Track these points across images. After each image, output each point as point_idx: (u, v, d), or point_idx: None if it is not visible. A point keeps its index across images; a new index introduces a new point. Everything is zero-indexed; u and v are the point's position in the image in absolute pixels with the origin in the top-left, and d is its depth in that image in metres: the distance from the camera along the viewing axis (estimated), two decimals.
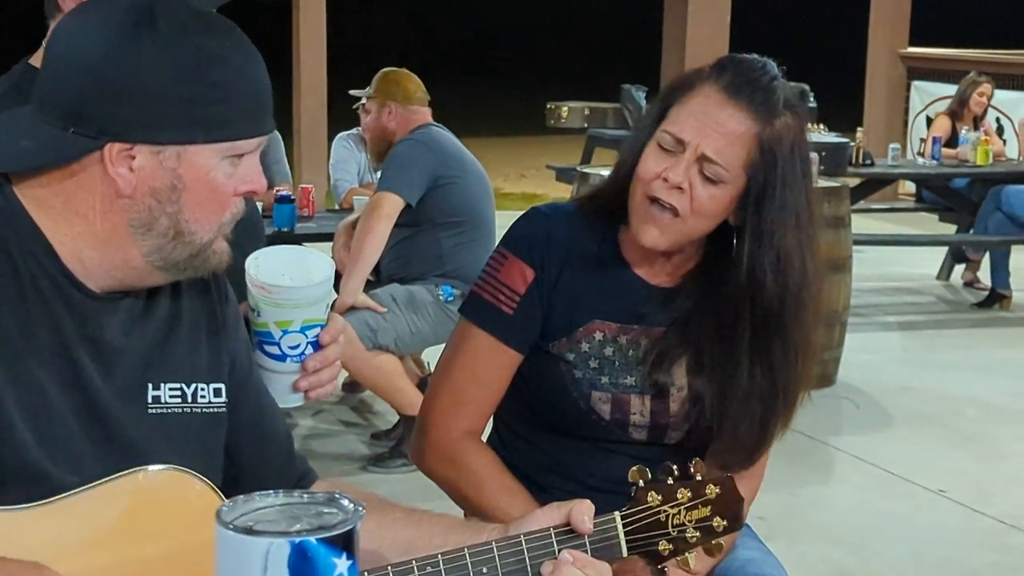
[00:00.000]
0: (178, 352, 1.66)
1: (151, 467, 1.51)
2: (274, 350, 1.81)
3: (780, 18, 28.30)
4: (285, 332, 1.82)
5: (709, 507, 1.78)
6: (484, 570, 1.60)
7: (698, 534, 1.78)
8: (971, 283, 8.91)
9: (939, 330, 7.86)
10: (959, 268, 9.07)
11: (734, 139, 2.01)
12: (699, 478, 1.79)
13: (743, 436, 2.11)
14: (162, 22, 1.50)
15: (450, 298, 5.01)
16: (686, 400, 2.14)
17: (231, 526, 0.99)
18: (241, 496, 1.04)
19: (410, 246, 5.12)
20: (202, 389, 1.67)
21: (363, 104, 5.75)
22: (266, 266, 1.84)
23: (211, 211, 1.56)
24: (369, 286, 5.08)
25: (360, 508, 1.01)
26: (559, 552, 1.65)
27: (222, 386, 1.69)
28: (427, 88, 5.50)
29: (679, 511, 1.76)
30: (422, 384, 5.39)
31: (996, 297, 8.30)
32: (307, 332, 1.83)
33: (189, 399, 1.65)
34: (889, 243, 9.23)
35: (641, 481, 1.76)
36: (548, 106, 11.08)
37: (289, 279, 1.81)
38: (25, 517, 1.44)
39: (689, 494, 1.77)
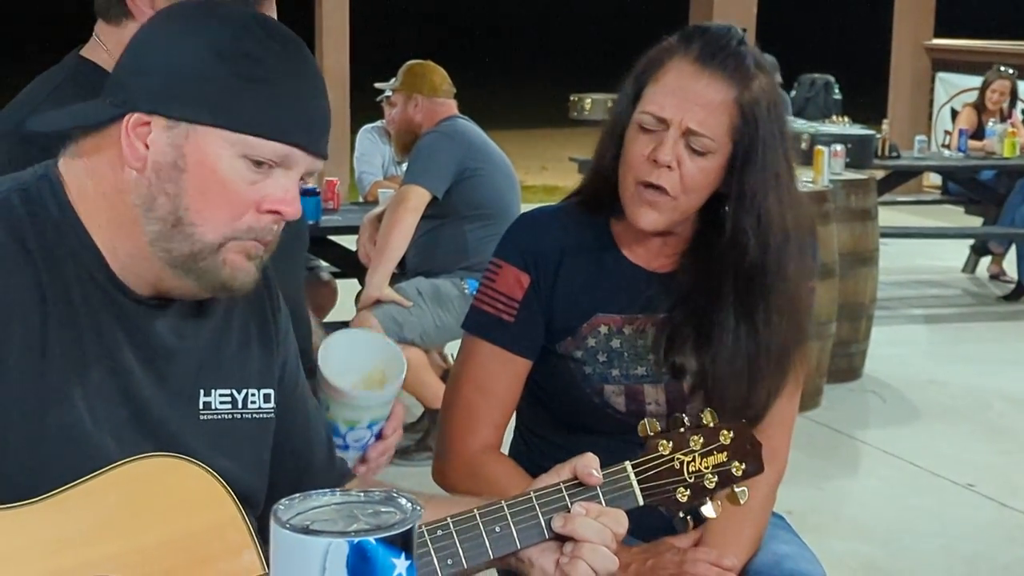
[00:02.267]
0: (229, 357, 1.65)
1: (144, 456, 1.50)
2: (338, 441, 1.84)
3: (805, 11, 28.21)
4: (351, 429, 1.85)
5: (725, 453, 1.78)
6: (497, 529, 1.59)
7: (717, 479, 1.77)
8: (997, 276, 8.87)
9: (966, 323, 7.82)
10: (984, 261, 9.03)
11: (714, 108, 2.00)
12: (711, 425, 1.78)
13: (732, 398, 2.08)
14: (217, 16, 1.50)
15: (475, 291, 4.99)
16: (695, 380, 2.12)
17: (288, 525, 0.98)
18: (297, 495, 1.04)
19: (436, 239, 5.11)
20: (253, 394, 1.66)
21: (388, 97, 5.74)
22: (335, 359, 1.85)
23: (216, 206, 1.49)
24: (394, 279, 5.07)
25: (418, 507, 1.01)
26: (572, 506, 1.64)
27: (272, 391, 1.69)
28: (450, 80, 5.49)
29: (693, 458, 1.76)
30: (447, 377, 5.39)
31: (1022, 290, 8.25)
32: (372, 428, 1.86)
33: (240, 404, 1.65)
34: (915, 236, 9.19)
35: (651, 431, 1.75)
36: (571, 98, 11.08)
37: (361, 381, 1.83)
38: (23, 513, 1.43)
39: (702, 440, 1.76)
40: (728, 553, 2.08)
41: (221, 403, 1.63)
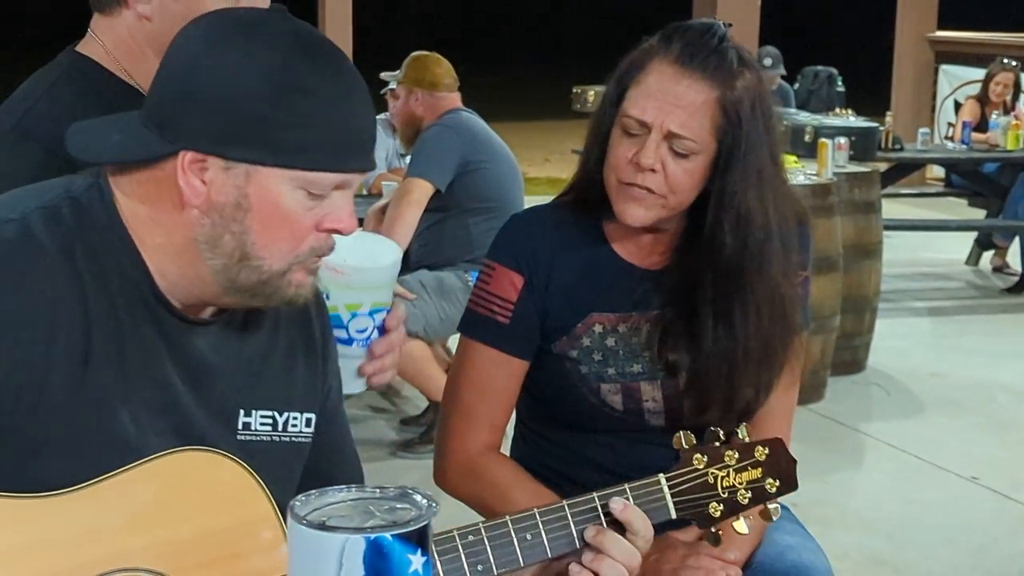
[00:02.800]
0: (273, 378, 1.66)
1: (180, 449, 1.51)
2: (342, 334, 1.82)
3: (809, 3, 28.17)
4: (354, 315, 1.82)
5: (760, 469, 1.78)
6: (528, 536, 1.60)
7: (750, 495, 1.77)
8: (1000, 268, 8.87)
9: (969, 316, 7.82)
10: (987, 254, 9.02)
11: (696, 109, 2.00)
12: (747, 440, 1.78)
13: (715, 398, 2.08)
14: (261, 39, 1.49)
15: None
16: (689, 376, 2.12)
17: (305, 521, 0.99)
18: (314, 491, 1.04)
19: (439, 232, 5.12)
20: (294, 418, 1.67)
21: (392, 89, 5.73)
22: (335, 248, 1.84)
23: (281, 239, 1.51)
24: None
25: (433, 504, 1.01)
26: (613, 501, 1.66)
27: (314, 416, 1.70)
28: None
29: (727, 473, 1.76)
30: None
31: None
32: (375, 316, 1.84)
33: (279, 427, 1.65)
34: (919, 228, 9.19)
35: (686, 444, 1.75)
36: (574, 90, 11.07)
37: (358, 261, 1.82)
38: (59, 502, 1.44)
39: (737, 456, 1.77)
40: (731, 547, 2.09)
41: (261, 425, 1.64)
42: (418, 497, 1.02)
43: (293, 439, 1.67)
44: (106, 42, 1.95)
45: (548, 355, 2.15)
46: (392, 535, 0.97)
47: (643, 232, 2.12)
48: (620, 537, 1.64)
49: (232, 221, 1.49)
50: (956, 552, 4.34)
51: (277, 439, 1.65)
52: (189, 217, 1.51)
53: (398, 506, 1.02)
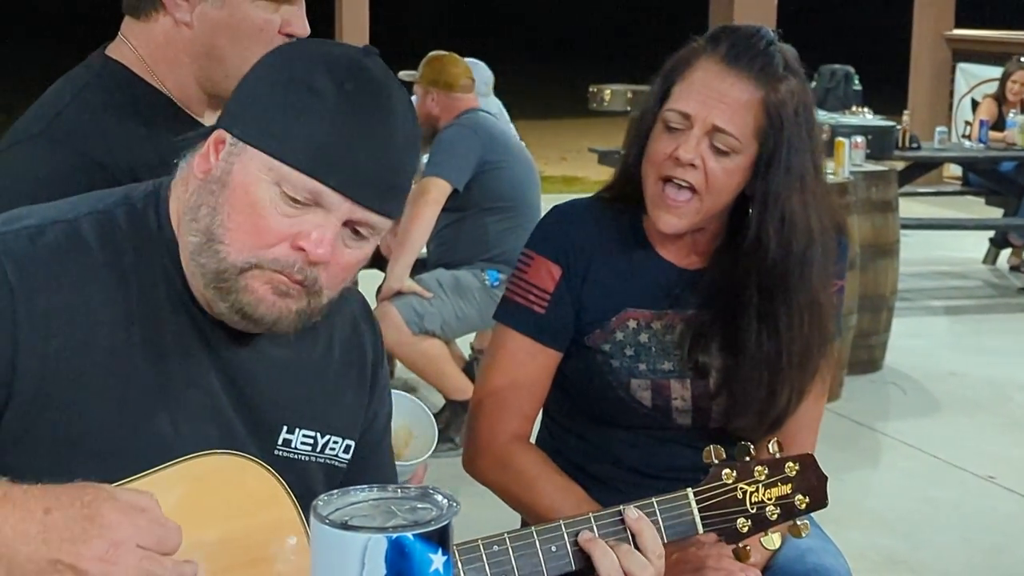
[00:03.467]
0: (320, 400, 1.66)
1: (208, 452, 1.51)
2: None
3: (826, 1, 28.11)
4: None
5: (790, 485, 1.77)
6: (553, 548, 1.61)
7: (779, 511, 1.76)
8: (1017, 267, 8.84)
9: (986, 315, 7.81)
10: (1005, 252, 9.00)
11: (740, 107, 2.01)
12: (777, 455, 1.78)
13: (753, 403, 2.09)
14: (323, 51, 1.52)
15: (496, 283, 5.02)
16: (720, 378, 2.13)
17: (327, 521, 1.00)
18: (336, 491, 1.05)
19: (456, 231, 5.14)
20: (334, 442, 1.67)
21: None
22: None
23: (244, 230, 1.48)
24: (415, 271, 5.09)
25: (455, 503, 1.02)
26: (624, 509, 1.67)
27: (353, 443, 1.70)
28: None
29: (757, 488, 1.76)
30: (468, 368, 5.41)
31: None
32: None
33: (318, 448, 1.65)
34: (935, 227, 9.16)
35: (716, 459, 1.75)
36: (591, 89, 11.06)
37: (403, 441, 1.86)
38: None
39: (767, 471, 1.76)
40: (752, 548, 2.09)
41: (302, 443, 1.64)
42: (439, 497, 1.03)
43: (328, 462, 1.67)
44: (138, 47, 1.94)
45: (581, 347, 2.16)
46: (414, 535, 0.98)
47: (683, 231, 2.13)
48: (609, 551, 1.64)
49: (210, 194, 1.50)
50: (972, 551, 4.33)
51: (314, 460, 1.65)
52: (193, 186, 1.53)
53: (419, 506, 1.03)
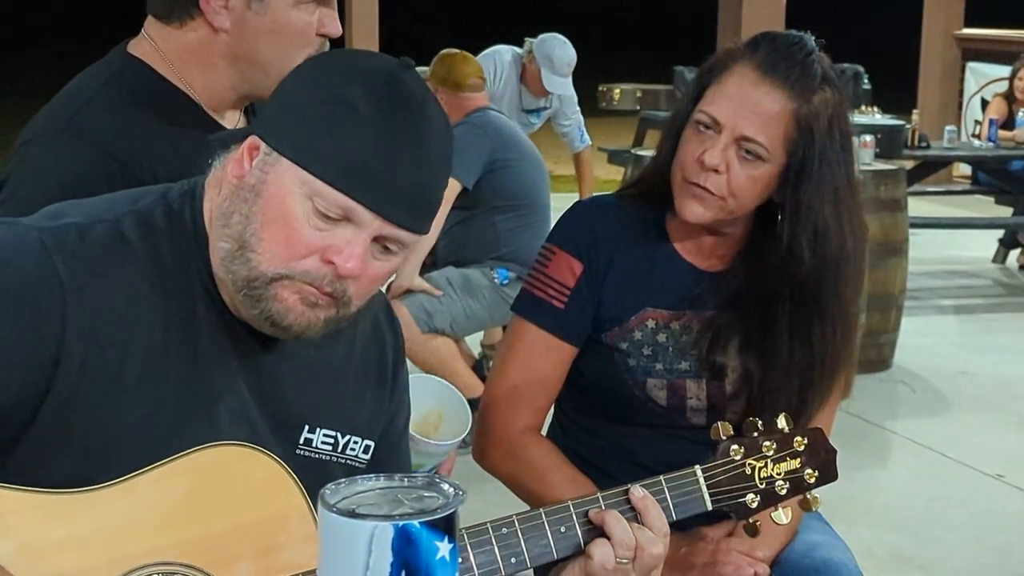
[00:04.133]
0: (342, 400, 1.67)
1: (215, 444, 1.52)
2: None
3: (835, 0, 28.06)
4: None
5: (799, 459, 1.78)
6: (563, 529, 1.61)
7: (788, 486, 1.77)
8: None
9: (996, 314, 7.80)
10: (1014, 251, 8.99)
11: (770, 119, 2.01)
12: (786, 431, 1.78)
13: (779, 407, 2.10)
14: (361, 64, 1.54)
15: (505, 281, 5.02)
16: (739, 380, 2.14)
17: (335, 509, 1.01)
18: (343, 479, 1.06)
19: (466, 229, 5.14)
20: (355, 442, 1.68)
21: None
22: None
23: (276, 240, 1.50)
24: (425, 269, 5.10)
25: (460, 492, 1.03)
26: (631, 488, 1.67)
27: (372, 444, 1.71)
28: None
29: (766, 463, 1.76)
30: (477, 367, 5.41)
31: None
32: (430, 471, 1.93)
33: (339, 448, 1.67)
34: (945, 226, 9.15)
35: (724, 435, 1.76)
36: (600, 88, 11.07)
37: (420, 421, 1.89)
38: (95, 498, 1.46)
39: (775, 447, 1.76)
40: (761, 544, 2.10)
41: (323, 443, 1.65)
42: (445, 486, 1.04)
43: (348, 462, 1.68)
44: (166, 50, 1.93)
45: (598, 344, 2.17)
46: (420, 522, 0.99)
47: (705, 233, 2.14)
48: (622, 519, 1.64)
49: (244, 202, 1.51)
50: (981, 550, 4.33)
51: (334, 459, 1.66)
52: (226, 191, 1.54)
53: (426, 494, 1.04)
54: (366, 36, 9.82)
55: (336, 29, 1.95)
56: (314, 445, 1.64)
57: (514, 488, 2.19)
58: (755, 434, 1.76)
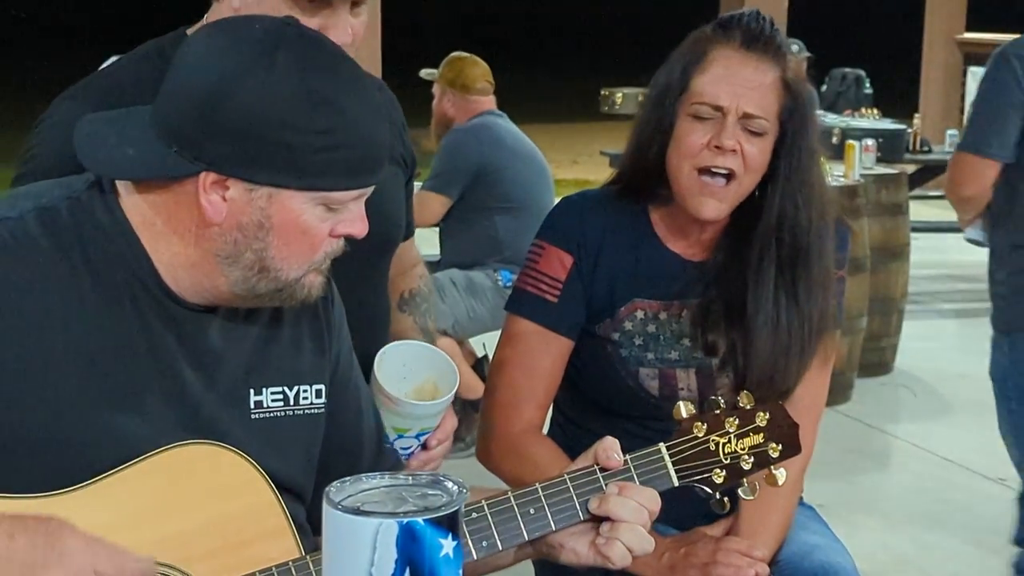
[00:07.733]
0: (280, 355, 1.68)
1: (182, 443, 1.53)
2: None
3: (836, 4, 28.09)
4: (400, 436, 1.89)
5: (761, 434, 1.80)
6: (531, 511, 1.63)
7: (753, 460, 1.79)
8: None
9: None
10: None
11: (766, 90, 2.09)
12: (748, 407, 1.80)
13: (764, 369, 2.13)
14: (281, 58, 1.47)
15: (508, 283, 5.04)
16: (726, 355, 2.16)
17: (340, 506, 1.02)
18: (348, 478, 1.07)
19: (468, 232, 5.18)
20: (305, 391, 1.69)
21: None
22: (390, 367, 1.91)
23: (300, 252, 1.55)
24: (429, 270, 5.12)
25: (464, 489, 1.04)
26: (606, 486, 1.67)
27: (324, 387, 1.71)
28: None
29: (729, 439, 1.78)
30: (478, 366, 5.42)
31: None
32: (420, 437, 1.90)
33: (291, 401, 1.67)
34: (946, 230, 9.14)
35: (686, 413, 1.78)
36: (602, 92, 11.04)
37: (414, 391, 1.89)
38: (63, 501, 1.47)
39: (737, 422, 1.78)
40: (758, 542, 2.11)
41: (273, 401, 1.66)
42: (449, 484, 1.05)
43: (306, 411, 1.69)
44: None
45: (591, 336, 2.20)
46: (424, 520, 1.00)
47: (690, 224, 2.16)
48: (625, 499, 1.64)
49: (254, 239, 1.52)
50: (983, 554, 4.33)
51: (290, 413, 1.67)
52: (210, 233, 1.53)
53: (430, 492, 1.05)
54: (369, 38, 9.83)
55: (347, 36, 1.95)
56: (265, 405, 1.65)
57: (517, 486, 2.20)
58: (716, 411, 1.78)
